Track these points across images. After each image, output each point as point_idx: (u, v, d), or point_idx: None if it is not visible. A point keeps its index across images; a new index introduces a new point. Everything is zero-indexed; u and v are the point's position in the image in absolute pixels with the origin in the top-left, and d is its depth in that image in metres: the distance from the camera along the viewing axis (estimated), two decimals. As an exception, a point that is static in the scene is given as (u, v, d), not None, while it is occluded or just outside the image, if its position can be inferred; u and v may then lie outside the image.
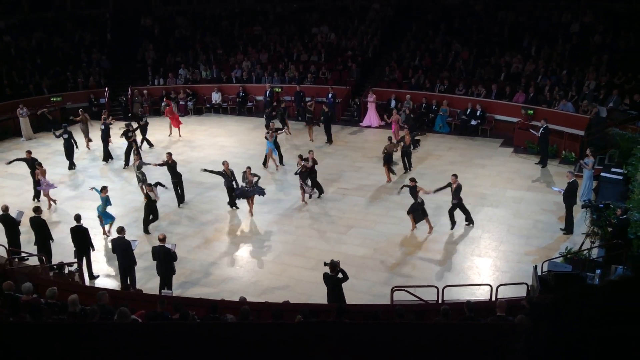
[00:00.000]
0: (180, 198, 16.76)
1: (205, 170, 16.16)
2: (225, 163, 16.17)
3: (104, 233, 15.08)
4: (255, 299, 11.42)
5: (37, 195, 17.14)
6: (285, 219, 15.81)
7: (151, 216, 15.25)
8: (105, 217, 14.94)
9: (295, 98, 25.06)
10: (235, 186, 15.88)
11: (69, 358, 2.93)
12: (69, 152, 20.12)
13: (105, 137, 20.70)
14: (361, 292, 11.93)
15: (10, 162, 18.12)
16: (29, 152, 17.71)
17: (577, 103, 20.45)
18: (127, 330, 3.66)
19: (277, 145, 19.70)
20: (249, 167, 15.91)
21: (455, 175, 14.80)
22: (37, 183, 16.76)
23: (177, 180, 16.56)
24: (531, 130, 19.33)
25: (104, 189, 14.72)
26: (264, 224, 15.46)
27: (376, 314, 8.77)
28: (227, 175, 15.95)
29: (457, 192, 14.50)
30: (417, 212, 14.48)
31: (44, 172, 16.65)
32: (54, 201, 16.90)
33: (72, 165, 20.24)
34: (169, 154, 16.82)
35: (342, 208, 16.35)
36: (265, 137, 19.58)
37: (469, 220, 14.84)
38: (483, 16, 26.62)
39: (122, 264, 12.35)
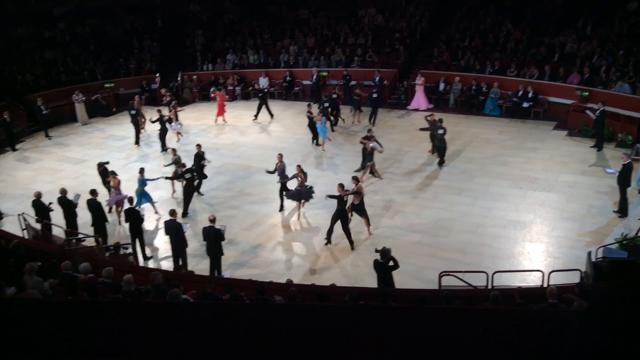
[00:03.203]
0: (197, 187, 16.55)
1: (268, 171, 15.56)
2: (279, 156, 15.57)
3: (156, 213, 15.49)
4: (302, 282, 11.54)
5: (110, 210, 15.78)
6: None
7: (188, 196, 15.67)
8: (140, 198, 15.10)
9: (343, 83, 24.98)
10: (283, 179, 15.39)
11: (124, 334, 3.04)
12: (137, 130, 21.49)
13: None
14: (409, 277, 11.88)
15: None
16: (100, 165, 16.34)
17: (634, 84, 19.61)
18: (179, 310, 3.76)
19: (314, 127, 19.83)
20: (299, 166, 15.19)
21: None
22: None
23: (198, 170, 16.27)
24: (587, 112, 18.70)
25: (141, 171, 15.27)
26: (311, 208, 15.51)
27: (424, 298, 8.71)
28: (279, 169, 15.34)
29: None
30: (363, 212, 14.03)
31: (117, 183, 15.29)
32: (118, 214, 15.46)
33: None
34: (199, 145, 16.89)
35: (389, 192, 16.26)
36: (316, 119, 19.62)
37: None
38: (536, -6, 25.78)
39: (174, 245, 12.67)
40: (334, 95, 21.73)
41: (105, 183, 15.93)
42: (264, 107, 23.61)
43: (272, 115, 23.80)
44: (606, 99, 18.65)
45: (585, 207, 14.55)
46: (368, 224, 14.00)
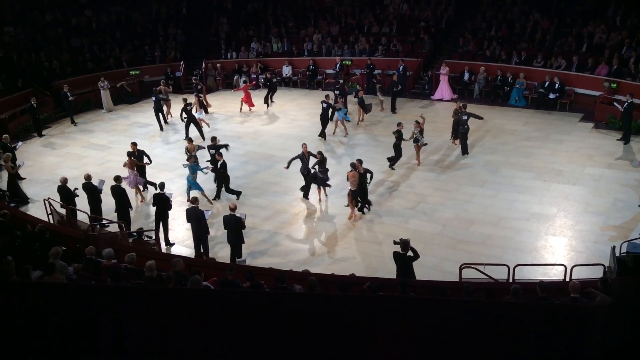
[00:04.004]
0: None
1: (287, 166, 15.53)
2: (304, 145, 15.66)
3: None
4: (322, 271, 11.56)
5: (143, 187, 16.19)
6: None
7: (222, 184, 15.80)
8: (194, 186, 15.21)
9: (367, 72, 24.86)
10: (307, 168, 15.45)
11: (145, 320, 3.08)
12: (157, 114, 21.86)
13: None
14: (429, 269, 11.84)
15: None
16: (134, 144, 16.24)
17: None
18: (200, 297, 3.80)
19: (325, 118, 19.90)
20: (320, 152, 15.39)
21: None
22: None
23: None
24: (615, 104, 18.37)
25: (192, 158, 15.21)
26: (332, 197, 15.52)
27: (444, 290, 8.68)
28: (306, 158, 15.41)
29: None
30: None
31: (131, 164, 15.71)
32: (142, 196, 16.12)
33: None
34: (214, 138, 16.64)
35: (411, 183, 16.19)
36: (335, 106, 19.67)
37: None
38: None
39: (196, 232, 12.78)
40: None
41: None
42: (271, 93, 24.05)
43: (267, 106, 23.92)
44: (634, 91, 18.31)
45: (611, 201, 14.32)
46: (353, 209, 14.45)
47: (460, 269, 10.53)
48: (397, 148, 16.92)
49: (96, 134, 21.99)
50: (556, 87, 21.29)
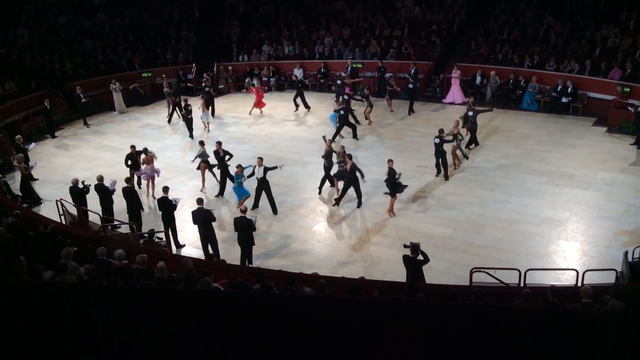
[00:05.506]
0: (222, 190, 16.36)
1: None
2: (328, 141, 16.06)
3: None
4: (332, 274, 11.55)
5: (139, 182, 16.59)
6: (364, 195, 15.74)
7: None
8: (238, 193, 15.11)
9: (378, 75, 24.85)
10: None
11: (156, 320, 3.09)
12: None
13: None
14: (439, 272, 11.80)
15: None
16: (133, 147, 16.49)
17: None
18: (210, 298, 3.81)
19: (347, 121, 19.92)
20: (342, 146, 15.78)
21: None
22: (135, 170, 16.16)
23: (223, 169, 16.15)
24: (628, 108, 18.23)
25: (238, 167, 14.90)
26: (342, 200, 15.50)
27: (454, 294, 8.64)
28: (330, 154, 15.66)
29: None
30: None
31: (151, 160, 16.16)
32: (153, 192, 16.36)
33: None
34: (219, 143, 16.37)
35: (422, 187, 16.14)
36: (338, 110, 19.65)
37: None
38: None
39: (203, 233, 12.82)
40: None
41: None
42: (299, 97, 23.72)
43: (308, 108, 23.84)
44: (648, 95, 18.16)
45: (623, 206, 14.19)
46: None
47: (471, 273, 10.48)
48: (441, 155, 16.41)
49: (108, 135, 22.14)
50: (569, 91, 21.15)
